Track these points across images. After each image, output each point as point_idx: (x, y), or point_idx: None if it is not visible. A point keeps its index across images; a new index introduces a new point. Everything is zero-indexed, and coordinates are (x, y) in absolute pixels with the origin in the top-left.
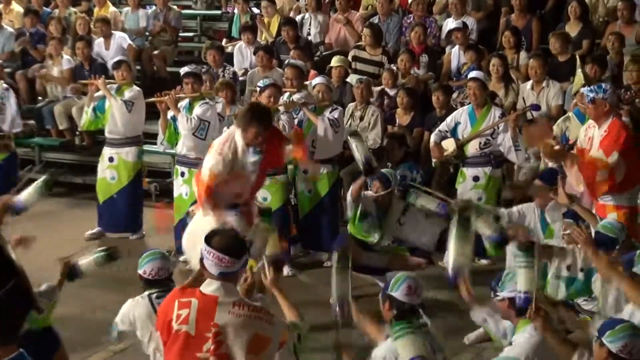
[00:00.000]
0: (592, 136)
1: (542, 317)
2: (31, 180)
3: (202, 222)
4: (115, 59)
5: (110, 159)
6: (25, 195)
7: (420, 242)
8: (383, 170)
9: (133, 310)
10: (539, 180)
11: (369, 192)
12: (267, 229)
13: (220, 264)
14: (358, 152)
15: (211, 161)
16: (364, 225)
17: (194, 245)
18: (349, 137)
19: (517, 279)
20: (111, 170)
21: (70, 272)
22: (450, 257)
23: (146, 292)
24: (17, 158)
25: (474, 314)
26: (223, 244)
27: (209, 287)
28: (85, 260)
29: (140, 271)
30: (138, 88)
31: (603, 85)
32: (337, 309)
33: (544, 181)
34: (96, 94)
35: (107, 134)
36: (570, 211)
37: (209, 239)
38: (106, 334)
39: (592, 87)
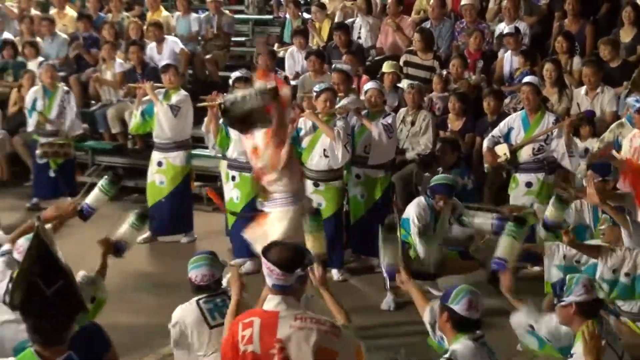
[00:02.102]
0: (638, 146)
1: None
2: (93, 185)
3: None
4: (163, 63)
5: (159, 164)
6: (120, 233)
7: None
8: (442, 176)
9: (183, 317)
10: (591, 171)
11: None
12: (316, 228)
13: (271, 275)
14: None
15: None
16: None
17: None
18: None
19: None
20: (160, 174)
21: (116, 249)
22: (499, 249)
23: (194, 298)
24: (75, 162)
25: (516, 317)
26: (276, 256)
27: (270, 303)
28: (122, 231)
29: (189, 275)
30: (185, 92)
31: None
32: (388, 275)
33: (595, 172)
34: (144, 98)
35: (155, 139)
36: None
37: (266, 250)
38: (155, 337)
39: (638, 97)
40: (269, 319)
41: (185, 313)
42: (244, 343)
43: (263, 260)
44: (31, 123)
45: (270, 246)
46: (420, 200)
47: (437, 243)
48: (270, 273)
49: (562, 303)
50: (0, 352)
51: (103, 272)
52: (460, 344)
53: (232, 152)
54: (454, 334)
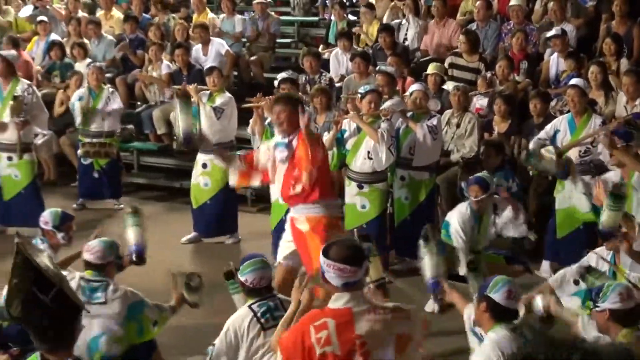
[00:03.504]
0: None
1: None
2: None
3: None
4: (207, 66)
5: (204, 166)
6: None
7: (511, 234)
8: (480, 174)
9: (237, 322)
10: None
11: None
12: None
13: (342, 274)
14: None
15: None
16: None
17: None
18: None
19: None
20: (204, 176)
21: (138, 257)
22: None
23: (247, 303)
24: (120, 163)
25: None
26: (342, 255)
27: (339, 301)
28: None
29: (242, 279)
30: (229, 95)
31: None
32: (432, 287)
33: (620, 138)
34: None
35: None
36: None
37: (326, 252)
38: (200, 338)
39: None
40: (342, 317)
41: (240, 318)
42: (321, 345)
43: (327, 263)
44: (76, 114)
45: (328, 248)
46: (461, 206)
47: (482, 246)
48: (340, 273)
49: (597, 308)
50: None
51: (175, 308)
52: (496, 333)
53: None
54: (492, 323)
